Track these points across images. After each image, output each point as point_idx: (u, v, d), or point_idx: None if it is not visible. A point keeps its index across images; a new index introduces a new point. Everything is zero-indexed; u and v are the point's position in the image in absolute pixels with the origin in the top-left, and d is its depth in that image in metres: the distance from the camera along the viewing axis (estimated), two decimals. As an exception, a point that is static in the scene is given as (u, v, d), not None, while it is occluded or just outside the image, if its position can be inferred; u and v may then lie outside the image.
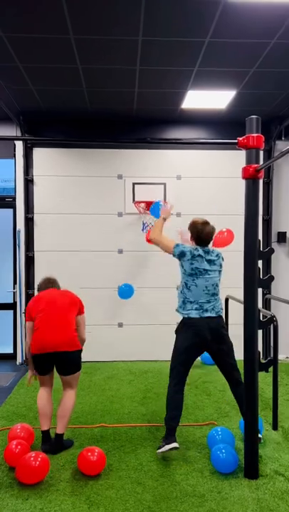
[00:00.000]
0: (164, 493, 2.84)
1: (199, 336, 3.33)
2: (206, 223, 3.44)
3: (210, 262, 3.42)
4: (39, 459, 2.90)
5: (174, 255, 3.48)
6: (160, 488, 2.90)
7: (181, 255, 3.42)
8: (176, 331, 3.47)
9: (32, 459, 2.89)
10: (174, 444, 3.22)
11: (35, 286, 3.74)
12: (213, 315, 3.37)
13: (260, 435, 3.33)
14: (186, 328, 3.37)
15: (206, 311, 3.36)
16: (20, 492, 2.84)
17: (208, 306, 3.37)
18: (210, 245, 3.53)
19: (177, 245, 3.46)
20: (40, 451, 3.06)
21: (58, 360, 3.37)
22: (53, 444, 3.37)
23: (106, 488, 2.90)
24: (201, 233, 3.42)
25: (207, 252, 3.44)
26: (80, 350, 3.46)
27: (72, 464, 3.19)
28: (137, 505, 2.71)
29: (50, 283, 3.73)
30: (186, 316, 3.38)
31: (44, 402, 3.44)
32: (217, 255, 3.50)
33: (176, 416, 3.32)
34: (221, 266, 3.52)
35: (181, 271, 3.48)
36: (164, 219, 3.72)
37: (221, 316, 3.45)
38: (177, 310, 3.49)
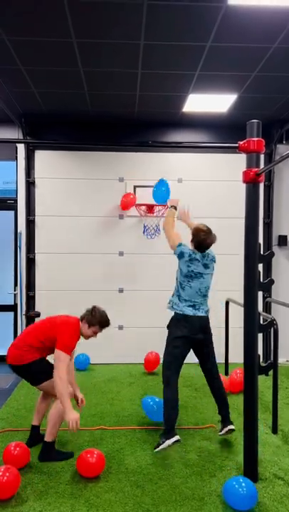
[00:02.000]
0: (164, 496, 2.84)
1: (192, 331, 3.48)
2: (209, 232, 3.51)
3: (205, 266, 3.59)
4: (7, 475, 2.75)
5: (174, 253, 3.65)
6: (159, 491, 2.90)
7: (180, 256, 3.58)
8: (169, 326, 3.59)
9: (0, 473, 2.75)
10: (177, 437, 3.31)
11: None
12: (204, 314, 3.57)
13: (232, 426, 3.54)
14: (180, 323, 3.50)
15: (198, 310, 3.54)
16: (20, 494, 2.84)
17: (199, 305, 3.56)
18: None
19: (180, 245, 3.60)
20: (10, 466, 2.86)
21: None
22: (41, 448, 3.30)
23: (105, 490, 2.90)
24: (203, 242, 3.51)
25: (204, 256, 3.57)
26: (27, 365, 3.25)
27: (72, 466, 3.19)
28: (136, 508, 2.70)
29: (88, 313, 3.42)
30: (180, 312, 3.52)
31: (40, 399, 3.57)
32: (212, 259, 3.63)
33: (176, 415, 3.42)
34: (213, 269, 3.67)
35: (177, 270, 3.63)
36: (175, 207, 3.88)
37: (208, 316, 3.63)
38: (171, 307, 3.60)
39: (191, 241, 3.58)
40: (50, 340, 3.26)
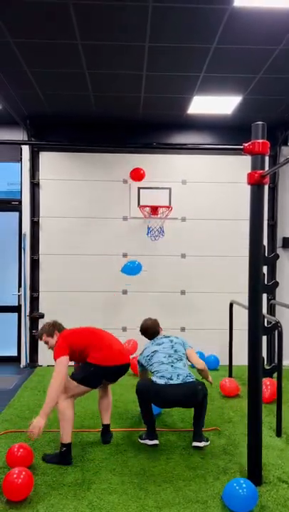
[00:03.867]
0: (167, 498, 2.83)
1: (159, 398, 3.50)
2: (147, 320, 3.98)
3: (158, 344, 3.77)
4: (22, 476, 2.76)
5: (143, 368, 3.84)
6: (163, 493, 2.89)
7: (142, 364, 3.80)
8: None
9: (15, 476, 2.76)
10: (155, 442, 3.50)
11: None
12: (180, 382, 3.43)
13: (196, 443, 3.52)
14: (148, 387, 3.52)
15: (171, 379, 3.44)
16: (23, 495, 2.84)
17: (171, 374, 3.47)
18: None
19: (139, 365, 3.91)
20: (24, 468, 2.89)
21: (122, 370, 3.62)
22: (106, 434, 3.71)
23: (108, 492, 2.89)
24: (145, 330, 3.94)
25: (154, 340, 3.85)
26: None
27: (75, 467, 3.19)
28: (139, 511, 2.70)
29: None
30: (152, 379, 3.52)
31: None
32: (165, 336, 3.86)
33: (152, 421, 3.59)
34: (172, 342, 3.77)
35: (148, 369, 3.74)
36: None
37: (193, 384, 3.46)
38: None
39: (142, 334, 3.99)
40: None
